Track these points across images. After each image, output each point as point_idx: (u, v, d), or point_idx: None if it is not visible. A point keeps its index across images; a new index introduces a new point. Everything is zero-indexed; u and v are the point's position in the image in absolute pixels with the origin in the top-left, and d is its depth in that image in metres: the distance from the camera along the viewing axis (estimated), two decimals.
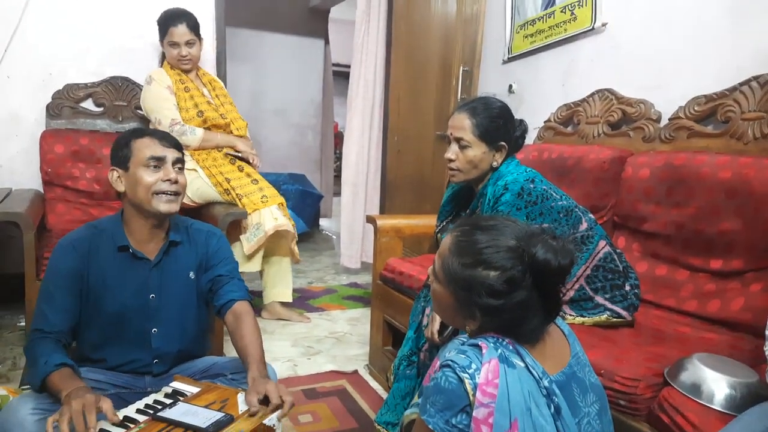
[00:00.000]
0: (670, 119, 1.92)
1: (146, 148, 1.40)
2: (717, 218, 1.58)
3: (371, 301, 2.32)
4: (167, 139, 1.44)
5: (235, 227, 2.50)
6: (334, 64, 6.09)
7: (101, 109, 2.66)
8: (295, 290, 2.96)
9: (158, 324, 1.48)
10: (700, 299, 1.59)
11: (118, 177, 1.42)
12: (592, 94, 2.25)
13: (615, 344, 1.38)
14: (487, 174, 1.61)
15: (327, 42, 5.73)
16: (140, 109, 2.67)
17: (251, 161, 2.60)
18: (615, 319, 1.52)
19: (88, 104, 2.66)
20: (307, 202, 5.11)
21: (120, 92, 2.67)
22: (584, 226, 1.58)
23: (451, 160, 1.59)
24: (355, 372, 2.32)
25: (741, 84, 1.70)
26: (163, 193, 1.39)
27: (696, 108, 1.83)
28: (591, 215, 1.64)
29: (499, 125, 1.55)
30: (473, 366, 0.90)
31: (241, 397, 1.36)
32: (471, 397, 0.88)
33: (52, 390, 1.25)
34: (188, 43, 2.52)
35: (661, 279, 1.71)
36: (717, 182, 1.59)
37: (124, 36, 2.72)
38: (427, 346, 1.64)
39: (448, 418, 0.89)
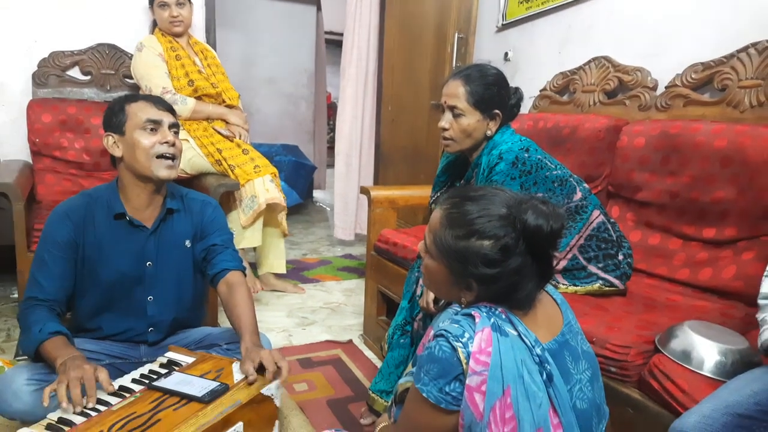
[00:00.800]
0: (666, 87, 1.89)
1: (141, 111, 1.39)
2: (711, 187, 1.58)
3: (365, 271, 2.32)
4: (162, 103, 1.44)
5: (227, 199, 2.49)
6: (326, 32, 5.97)
7: (88, 77, 2.60)
8: (289, 262, 2.97)
9: (154, 292, 1.48)
10: (692, 268, 1.60)
11: (114, 142, 1.41)
12: (589, 62, 2.21)
13: (607, 312, 1.39)
14: (481, 143, 1.59)
15: (319, 8, 5.61)
16: (129, 77, 2.62)
17: (238, 137, 2.55)
18: (607, 288, 1.52)
19: (75, 72, 2.59)
20: (300, 174, 5.08)
21: (107, 60, 2.61)
22: (578, 195, 1.58)
23: (444, 129, 1.57)
24: (350, 341, 2.34)
25: (738, 51, 1.68)
26: (163, 156, 1.39)
27: (693, 76, 1.81)
28: (585, 185, 1.63)
29: (493, 93, 1.53)
30: (466, 335, 0.90)
31: (236, 366, 1.37)
32: (464, 366, 0.88)
33: (47, 358, 1.25)
34: (179, 4, 2.46)
35: (654, 248, 1.72)
36: (712, 151, 1.58)
37: (111, 2, 2.64)
38: (420, 316, 1.65)
39: (442, 386, 0.90)
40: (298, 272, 3.25)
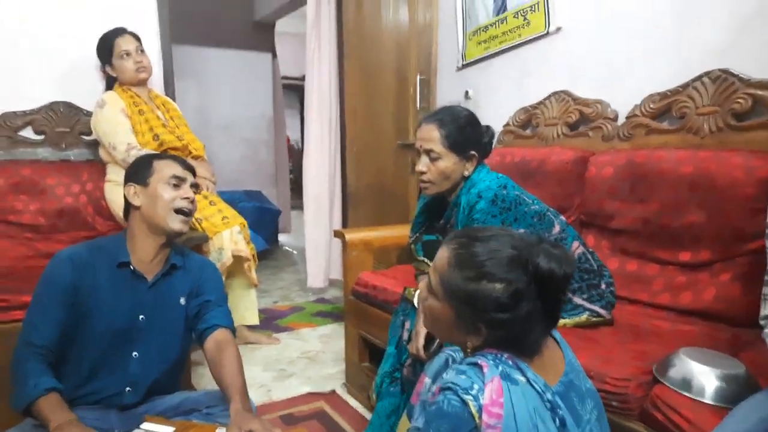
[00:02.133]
0: (627, 117, 1.96)
1: (168, 167, 1.46)
2: (682, 212, 1.62)
3: (345, 317, 2.27)
4: (186, 165, 1.52)
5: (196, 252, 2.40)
6: (283, 77, 6.01)
7: (42, 136, 2.50)
8: (260, 311, 2.87)
9: (140, 347, 1.44)
10: (672, 292, 1.63)
11: (135, 192, 1.44)
12: (549, 97, 2.28)
13: (598, 344, 1.39)
14: (459, 183, 1.59)
15: (275, 55, 5.65)
16: (85, 134, 2.54)
17: (206, 189, 2.50)
18: (595, 319, 1.52)
19: (28, 132, 2.49)
20: (265, 219, 5.00)
21: (62, 118, 2.52)
22: (557, 229, 1.59)
23: (422, 173, 1.57)
24: (333, 392, 2.26)
25: (693, 80, 1.76)
26: (182, 211, 1.43)
27: (651, 105, 1.88)
28: (562, 217, 1.65)
29: (468, 134, 1.55)
30: (475, 386, 0.87)
31: None
32: (477, 420, 0.85)
33: (39, 416, 1.22)
34: (139, 51, 2.44)
35: (633, 274, 1.74)
36: (679, 177, 1.63)
37: (64, 60, 2.57)
38: (410, 362, 1.61)
39: None
40: (270, 321, 3.16)
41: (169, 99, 2.71)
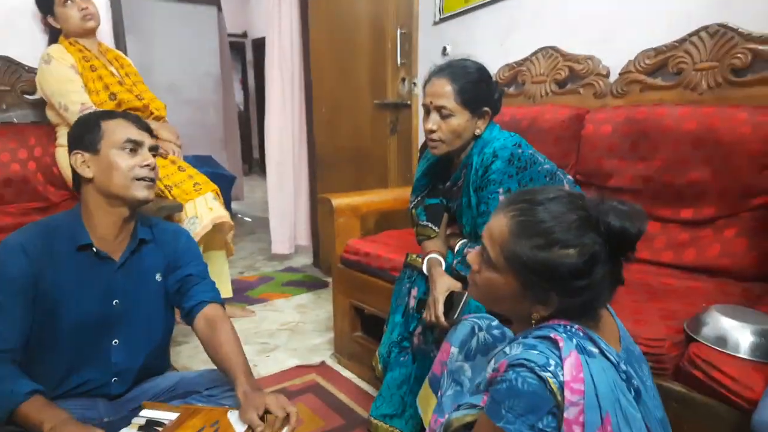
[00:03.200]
0: (620, 74, 1.93)
1: (120, 129, 1.25)
2: (685, 169, 1.62)
3: (333, 286, 2.18)
4: (141, 123, 1.30)
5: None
6: (228, 34, 5.64)
7: None
8: None
9: (121, 335, 1.30)
10: (675, 249, 1.64)
11: (84, 162, 1.24)
12: (536, 53, 2.22)
13: (619, 304, 1.36)
14: (469, 142, 1.51)
15: (220, 9, 5.28)
16: (28, 93, 2.25)
17: (172, 154, 2.30)
18: None
19: None
20: (219, 186, 4.74)
21: (1, 75, 2.21)
22: (566, 188, 1.55)
23: (432, 131, 1.48)
24: (323, 363, 2.18)
25: (690, 35, 1.74)
26: (142, 179, 1.25)
27: (646, 61, 1.85)
28: (569, 176, 1.62)
29: (482, 89, 1.46)
30: (552, 362, 0.81)
31: (233, 416, 1.20)
32: (558, 398, 0.79)
33: (26, 422, 1.08)
34: None
35: None
36: (682, 134, 1.62)
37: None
38: (420, 330, 1.55)
39: (533, 422, 0.80)
40: (241, 293, 3.02)
41: (121, 53, 2.44)
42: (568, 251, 0.83)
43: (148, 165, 1.26)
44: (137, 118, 1.30)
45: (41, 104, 2.23)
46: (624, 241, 0.83)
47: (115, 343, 1.29)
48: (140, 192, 1.25)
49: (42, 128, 2.24)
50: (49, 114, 2.19)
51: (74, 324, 1.24)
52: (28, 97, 2.26)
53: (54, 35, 2.23)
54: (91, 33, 2.22)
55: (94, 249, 1.25)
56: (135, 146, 1.25)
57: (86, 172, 1.24)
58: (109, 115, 1.30)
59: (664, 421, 0.91)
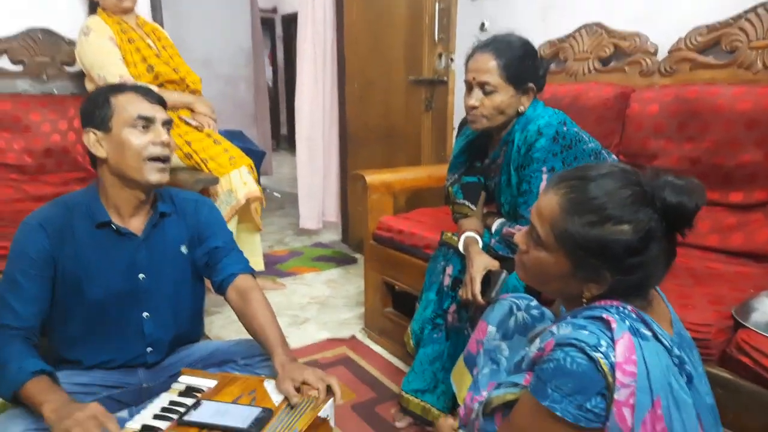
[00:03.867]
0: (669, 51, 1.86)
1: (131, 105, 1.20)
2: (736, 151, 1.56)
3: (365, 262, 2.18)
4: (153, 95, 1.24)
5: (204, 195, 2.24)
6: (259, 10, 5.62)
7: (20, 67, 2.24)
8: None
9: (150, 308, 1.31)
10: (722, 234, 1.59)
11: (97, 140, 1.20)
12: (579, 29, 2.15)
13: (664, 288, 1.34)
14: (512, 119, 1.48)
15: None
16: (68, 65, 2.29)
17: (207, 127, 2.31)
18: None
19: (4, 62, 2.22)
20: None
21: (42, 46, 2.25)
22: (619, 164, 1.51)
23: (474, 107, 1.45)
24: (353, 337, 2.20)
25: (747, 11, 1.66)
26: (156, 158, 1.21)
27: (698, 38, 1.78)
28: (614, 156, 1.58)
29: (527, 65, 1.42)
30: (603, 343, 0.79)
31: (269, 385, 1.22)
32: (609, 379, 0.78)
33: (29, 401, 1.06)
34: None
35: None
36: (735, 114, 1.56)
37: None
38: (454, 308, 1.55)
39: (581, 402, 0.79)
40: (271, 266, 3.05)
41: (158, 26, 2.45)
42: (623, 227, 0.81)
43: (161, 142, 1.22)
44: (148, 90, 1.25)
45: (81, 76, 2.26)
46: (681, 216, 0.81)
47: (146, 315, 1.30)
48: (153, 176, 1.21)
49: (81, 100, 2.27)
50: (89, 86, 2.22)
51: (101, 299, 1.24)
52: (67, 68, 2.30)
53: (93, 7, 2.24)
54: (127, 11, 2.22)
55: (114, 226, 1.24)
56: (147, 123, 1.21)
57: (99, 152, 1.20)
58: (119, 89, 1.24)
59: (714, 408, 0.89)
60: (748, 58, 1.66)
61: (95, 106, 1.20)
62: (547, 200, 0.89)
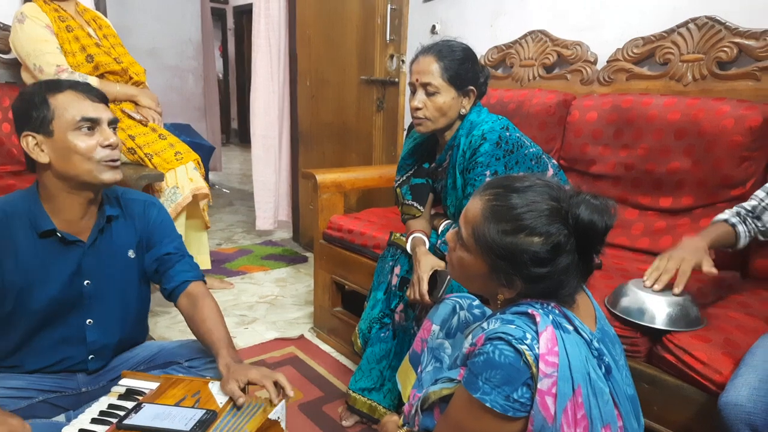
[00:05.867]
0: (608, 61, 1.95)
1: (73, 106, 1.13)
2: (666, 158, 1.65)
3: (315, 261, 2.18)
4: (94, 93, 1.18)
5: (146, 191, 2.18)
6: (210, 0, 5.49)
7: None
8: None
9: (94, 314, 1.27)
10: (652, 236, 1.68)
11: (37, 145, 1.13)
12: (525, 36, 2.22)
13: (594, 289, 1.41)
14: (454, 122, 1.52)
15: None
16: (3, 53, 2.17)
17: (152, 121, 2.24)
18: None
19: None
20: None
21: None
22: (550, 172, 1.58)
23: (417, 109, 1.48)
24: (302, 337, 2.20)
25: (679, 26, 1.76)
26: (106, 161, 1.15)
27: (634, 50, 1.87)
28: (554, 161, 1.64)
29: (467, 68, 1.47)
30: (528, 336, 0.84)
31: (214, 387, 1.21)
32: (533, 369, 0.82)
33: None
34: None
35: None
36: (666, 123, 1.65)
37: None
38: (402, 307, 1.58)
39: (509, 393, 0.84)
40: (218, 265, 3.00)
41: (100, 14, 2.36)
42: (533, 239, 0.86)
43: (110, 145, 1.15)
44: (87, 86, 1.18)
45: (16, 64, 2.16)
46: (591, 233, 0.86)
47: (89, 322, 1.26)
48: (105, 175, 1.16)
49: (18, 89, 2.16)
50: (24, 76, 2.11)
51: (44, 308, 1.20)
52: (2, 56, 2.19)
53: None
54: (62, 4, 2.12)
55: (59, 234, 1.18)
56: (93, 124, 1.14)
57: (41, 157, 1.13)
58: (56, 87, 1.15)
59: (634, 398, 0.95)
60: (679, 71, 1.76)
61: (31, 107, 1.12)
62: (473, 205, 0.93)
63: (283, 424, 1.16)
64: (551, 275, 0.88)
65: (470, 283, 1.01)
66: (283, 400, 1.14)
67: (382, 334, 1.60)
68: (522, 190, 0.90)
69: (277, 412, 1.13)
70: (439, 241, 1.54)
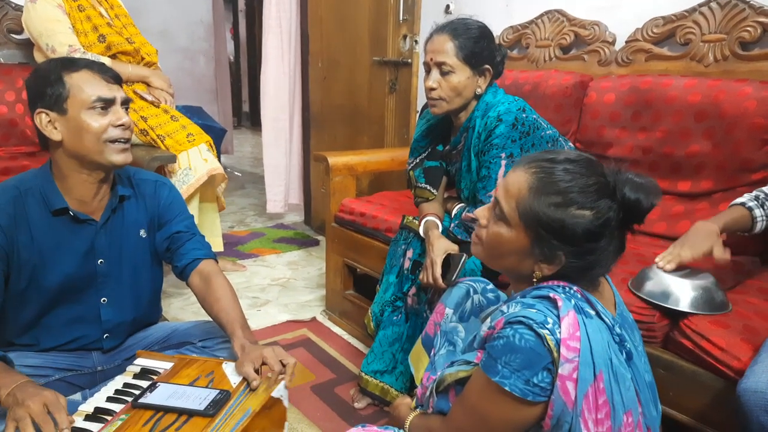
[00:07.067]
0: (627, 42, 1.90)
1: (88, 85, 1.14)
2: (686, 141, 1.62)
3: (327, 244, 2.17)
4: (109, 73, 1.18)
5: (159, 173, 2.18)
6: None
7: None
8: None
9: (108, 292, 1.29)
10: (669, 221, 1.66)
11: (50, 122, 1.13)
12: (541, 16, 2.17)
13: (611, 273, 1.39)
14: (470, 102, 1.50)
15: None
16: (15, 32, 2.17)
17: (164, 102, 2.24)
18: None
19: None
20: None
21: None
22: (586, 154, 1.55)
23: (432, 89, 1.46)
24: (314, 319, 2.21)
25: (700, 5, 1.71)
26: (117, 140, 1.16)
27: (654, 30, 1.82)
28: (570, 144, 1.62)
29: (483, 47, 1.44)
30: (550, 320, 0.83)
31: (228, 367, 1.22)
32: (555, 354, 0.81)
33: None
34: None
35: None
36: (686, 105, 1.62)
37: None
38: (414, 291, 1.57)
39: (529, 377, 0.82)
40: (231, 248, 3.01)
41: None
42: (584, 212, 0.84)
43: (122, 124, 1.17)
44: (103, 67, 1.18)
45: (29, 45, 2.15)
46: (636, 212, 0.85)
47: (104, 301, 1.28)
48: (115, 156, 1.17)
49: (30, 69, 2.16)
50: (37, 56, 2.11)
51: (58, 286, 1.21)
52: (15, 36, 2.18)
53: None
54: None
55: (71, 212, 1.19)
56: (106, 104, 1.15)
57: (54, 134, 1.14)
58: (72, 65, 1.15)
59: (652, 384, 0.94)
60: (700, 51, 1.71)
61: (46, 84, 1.13)
62: (516, 177, 0.91)
63: (285, 403, 1.17)
64: (597, 251, 0.86)
65: (501, 260, 0.97)
66: (283, 381, 1.14)
67: (395, 318, 1.60)
68: (566, 163, 0.88)
69: (279, 391, 1.14)
70: (452, 225, 1.52)
